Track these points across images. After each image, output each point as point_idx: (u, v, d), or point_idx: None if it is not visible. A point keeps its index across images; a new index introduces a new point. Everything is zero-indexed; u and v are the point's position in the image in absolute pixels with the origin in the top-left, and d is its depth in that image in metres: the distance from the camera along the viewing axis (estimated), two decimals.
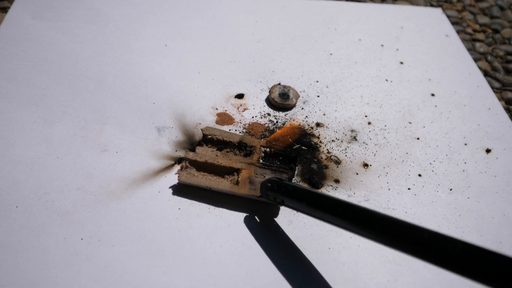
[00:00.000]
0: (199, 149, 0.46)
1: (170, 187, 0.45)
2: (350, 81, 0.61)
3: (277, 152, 0.47)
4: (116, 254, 0.40)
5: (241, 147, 0.47)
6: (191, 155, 0.45)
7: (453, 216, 0.47)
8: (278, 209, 0.45)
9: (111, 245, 0.41)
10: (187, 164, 0.45)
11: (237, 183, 0.44)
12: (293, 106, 0.55)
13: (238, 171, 0.45)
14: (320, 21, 0.69)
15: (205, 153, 0.46)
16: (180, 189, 0.45)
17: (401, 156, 0.52)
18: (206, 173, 0.45)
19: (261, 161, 0.46)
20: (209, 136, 0.47)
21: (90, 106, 0.51)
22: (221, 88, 0.56)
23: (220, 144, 0.47)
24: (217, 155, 0.46)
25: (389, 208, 0.47)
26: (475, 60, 0.70)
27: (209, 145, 0.47)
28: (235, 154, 0.47)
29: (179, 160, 0.48)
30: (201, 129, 0.48)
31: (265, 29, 0.66)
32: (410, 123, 0.56)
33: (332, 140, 0.53)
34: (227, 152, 0.47)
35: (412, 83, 0.62)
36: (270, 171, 0.45)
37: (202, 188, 0.45)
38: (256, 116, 0.54)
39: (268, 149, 0.47)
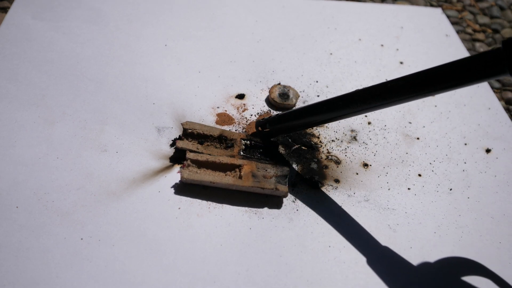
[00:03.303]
0: (179, 143, 0.47)
1: (170, 187, 0.45)
2: (350, 80, 0.61)
3: (257, 144, 0.48)
4: (116, 254, 0.40)
5: (221, 140, 0.48)
6: (192, 155, 0.45)
7: (453, 216, 0.47)
8: (282, 202, 0.45)
9: (111, 245, 0.41)
10: (189, 162, 0.45)
11: (240, 177, 0.44)
12: (293, 106, 0.55)
13: (239, 167, 0.45)
14: (320, 21, 0.70)
15: (186, 147, 0.47)
16: (180, 189, 0.45)
17: (401, 156, 0.52)
18: (208, 170, 0.45)
19: (241, 153, 0.47)
20: (189, 131, 0.48)
21: (90, 106, 0.51)
22: (221, 88, 0.56)
23: (200, 137, 0.48)
24: (197, 148, 0.47)
25: (389, 208, 0.47)
26: None
27: (190, 139, 0.48)
28: (216, 147, 0.47)
29: (172, 157, 0.48)
30: (181, 124, 0.48)
31: (265, 29, 0.66)
32: (410, 123, 0.56)
33: (332, 140, 0.53)
34: (208, 145, 0.47)
35: None
36: (271, 165, 0.46)
37: (202, 188, 0.45)
38: (256, 116, 0.54)
39: (248, 142, 0.48)
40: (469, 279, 0.43)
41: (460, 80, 0.35)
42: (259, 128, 0.50)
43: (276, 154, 0.49)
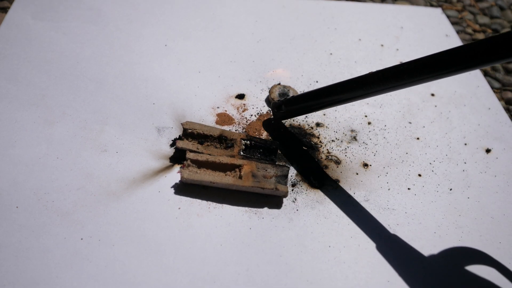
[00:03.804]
0: (179, 143, 0.47)
1: (170, 187, 0.45)
2: None
3: (257, 144, 0.48)
4: (116, 254, 0.40)
5: (221, 140, 0.48)
6: (192, 155, 0.45)
7: (453, 216, 0.47)
8: (282, 201, 0.45)
9: (111, 245, 0.41)
10: (189, 162, 0.45)
11: (240, 177, 0.44)
12: None
13: (239, 167, 0.45)
14: (320, 21, 0.70)
15: (186, 147, 0.47)
16: (180, 189, 0.45)
17: (401, 156, 0.52)
18: (208, 170, 0.45)
19: (241, 153, 0.47)
20: (189, 131, 0.48)
21: (90, 106, 0.51)
22: (221, 88, 0.56)
23: (200, 137, 0.48)
24: (197, 148, 0.46)
25: (389, 208, 0.47)
26: None
27: (190, 139, 0.48)
28: (216, 147, 0.47)
29: (172, 157, 0.48)
30: (181, 124, 0.48)
31: (265, 29, 0.66)
32: (410, 123, 0.57)
33: (332, 140, 0.53)
34: (208, 145, 0.47)
35: None
36: (271, 165, 0.46)
37: (202, 188, 0.45)
38: (256, 116, 0.54)
39: (248, 142, 0.48)
40: (468, 278, 0.43)
41: (470, 62, 0.36)
42: (275, 110, 0.51)
43: (275, 153, 0.49)
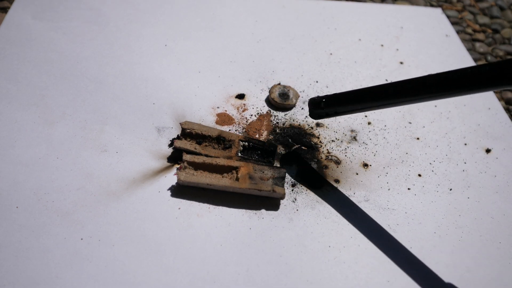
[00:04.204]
0: (177, 143, 0.47)
1: (170, 187, 0.45)
2: (350, 81, 0.61)
3: (256, 146, 0.48)
4: (116, 254, 0.40)
5: (219, 141, 0.48)
6: (188, 157, 0.45)
7: (453, 216, 0.47)
8: (279, 203, 0.45)
9: (111, 245, 0.41)
10: (186, 164, 0.45)
11: (237, 179, 0.44)
12: (293, 106, 0.55)
13: (236, 169, 0.45)
14: (320, 21, 0.70)
15: (184, 146, 0.46)
16: (180, 189, 0.45)
17: (401, 156, 0.52)
18: (205, 172, 0.45)
19: (239, 154, 0.47)
20: (188, 130, 0.48)
21: (90, 107, 0.51)
22: (221, 88, 0.56)
23: (198, 138, 0.48)
24: (195, 148, 0.46)
25: (389, 208, 0.47)
26: (475, 60, 0.70)
27: (188, 139, 0.48)
28: (214, 148, 0.47)
29: (170, 157, 0.48)
30: (180, 123, 0.48)
31: (265, 29, 0.66)
32: (410, 123, 0.57)
33: (332, 140, 0.53)
34: (206, 146, 0.47)
35: None
36: (268, 167, 0.45)
37: (202, 188, 0.45)
38: (256, 116, 0.54)
39: (246, 143, 0.48)
40: (469, 278, 0.43)
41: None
42: (311, 107, 0.48)
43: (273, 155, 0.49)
